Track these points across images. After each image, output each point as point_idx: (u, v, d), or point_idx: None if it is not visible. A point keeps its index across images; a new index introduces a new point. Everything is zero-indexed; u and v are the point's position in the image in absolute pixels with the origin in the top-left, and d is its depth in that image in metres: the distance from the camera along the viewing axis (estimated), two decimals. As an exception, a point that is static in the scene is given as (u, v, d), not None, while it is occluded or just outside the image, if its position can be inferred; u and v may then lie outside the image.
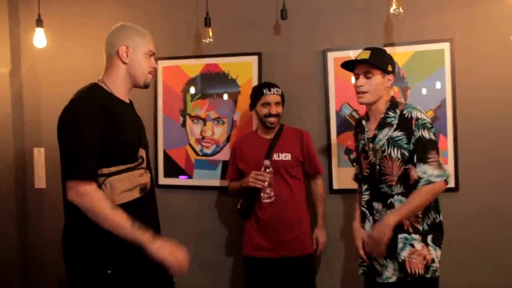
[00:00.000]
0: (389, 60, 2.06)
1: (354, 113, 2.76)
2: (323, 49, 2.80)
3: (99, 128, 1.62)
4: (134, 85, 1.84)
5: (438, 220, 2.00)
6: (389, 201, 2.00)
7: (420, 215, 1.95)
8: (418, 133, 1.92)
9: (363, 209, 2.12)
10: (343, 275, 2.80)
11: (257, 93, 2.59)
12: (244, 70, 2.92)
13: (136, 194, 1.70)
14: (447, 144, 2.63)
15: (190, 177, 3.01)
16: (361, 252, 2.13)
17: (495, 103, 2.59)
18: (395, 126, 1.98)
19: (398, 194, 1.99)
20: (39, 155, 3.29)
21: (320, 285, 2.64)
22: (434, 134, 1.95)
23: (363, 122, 2.15)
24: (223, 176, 2.94)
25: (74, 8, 3.21)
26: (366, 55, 2.02)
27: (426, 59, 2.66)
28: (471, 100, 2.61)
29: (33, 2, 3.05)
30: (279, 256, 2.48)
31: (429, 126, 1.94)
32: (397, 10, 2.30)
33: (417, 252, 1.91)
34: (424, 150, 1.91)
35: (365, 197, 2.12)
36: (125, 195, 1.66)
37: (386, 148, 1.98)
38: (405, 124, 1.95)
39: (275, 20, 2.87)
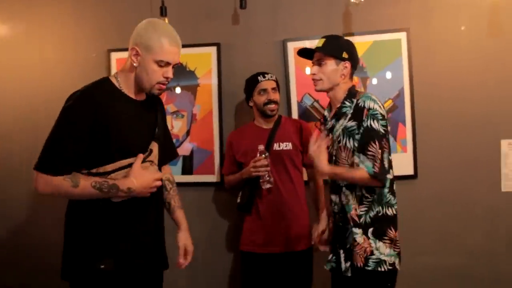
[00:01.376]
0: (345, 46, 2.02)
1: (315, 104, 2.75)
2: (283, 39, 2.77)
3: (83, 124, 1.58)
4: (141, 89, 1.73)
5: (381, 213, 1.91)
6: (342, 193, 1.97)
7: (363, 210, 1.90)
8: (366, 123, 1.86)
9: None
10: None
11: (251, 82, 2.51)
12: (203, 62, 2.83)
13: (121, 197, 1.65)
14: (406, 133, 2.69)
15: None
16: (314, 239, 2.26)
17: (451, 91, 2.67)
18: (349, 116, 1.93)
19: (344, 186, 1.95)
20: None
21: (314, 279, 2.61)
22: (384, 126, 1.88)
23: (325, 112, 2.13)
24: (184, 172, 2.85)
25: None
26: (321, 43, 2.01)
27: (384, 48, 2.69)
28: (428, 89, 2.68)
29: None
30: (279, 251, 2.40)
31: (380, 117, 1.87)
32: (358, -1, 2.30)
33: (359, 246, 1.88)
34: (366, 140, 1.86)
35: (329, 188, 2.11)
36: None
37: (341, 138, 1.94)
38: (358, 113, 1.90)
39: (234, 9, 2.80)
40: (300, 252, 2.43)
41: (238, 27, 2.82)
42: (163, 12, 2.66)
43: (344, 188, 1.95)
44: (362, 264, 1.87)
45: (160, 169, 1.82)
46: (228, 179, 2.61)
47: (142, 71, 1.67)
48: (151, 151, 1.73)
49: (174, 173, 2.83)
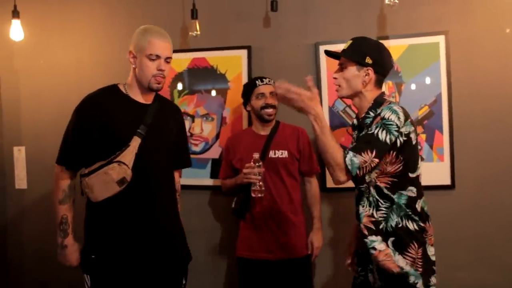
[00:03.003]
0: (370, 51, 1.83)
1: (347, 109, 2.67)
2: (315, 42, 2.70)
3: (85, 125, 1.85)
4: (144, 88, 1.91)
5: (401, 225, 1.76)
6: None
7: (382, 216, 1.76)
8: (372, 130, 1.71)
9: None
10: (337, 276, 2.72)
11: (249, 87, 2.50)
12: (233, 65, 2.81)
13: (116, 188, 1.83)
14: (443, 140, 2.57)
15: (178, 176, 2.90)
16: (347, 261, 2.06)
17: (492, 97, 2.53)
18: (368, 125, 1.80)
19: (363, 194, 1.83)
20: (19, 154, 3.15)
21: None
22: (391, 140, 1.69)
23: (354, 120, 2.01)
24: (212, 175, 2.84)
25: (52, 0, 3.06)
26: (347, 45, 1.88)
27: (421, 52, 2.58)
28: (467, 94, 2.55)
29: (7, -8, 2.89)
30: (274, 258, 2.39)
31: (393, 128, 1.69)
32: (392, 0, 2.20)
33: (382, 253, 1.74)
34: (364, 145, 1.69)
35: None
36: (102, 191, 1.84)
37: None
38: (372, 123, 1.76)
39: (265, 12, 2.76)
40: (296, 260, 2.39)
41: (269, 29, 2.78)
42: (194, 15, 2.66)
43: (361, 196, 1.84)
44: (398, 269, 1.72)
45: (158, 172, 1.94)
46: (224, 183, 2.59)
47: (139, 69, 1.87)
48: (124, 149, 1.84)
49: (202, 176, 2.86)
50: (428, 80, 2.58)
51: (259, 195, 2.29)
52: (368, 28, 2.63)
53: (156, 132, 1.92)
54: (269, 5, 2.63)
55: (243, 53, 2.79)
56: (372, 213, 1.80)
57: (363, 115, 1.86)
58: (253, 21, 2.79)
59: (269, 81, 2.47)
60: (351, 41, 1.89)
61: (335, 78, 1.90)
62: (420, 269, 1.76)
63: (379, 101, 1.84)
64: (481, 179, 2.54)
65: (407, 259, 1.74)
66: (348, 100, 2.57)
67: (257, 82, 2.47)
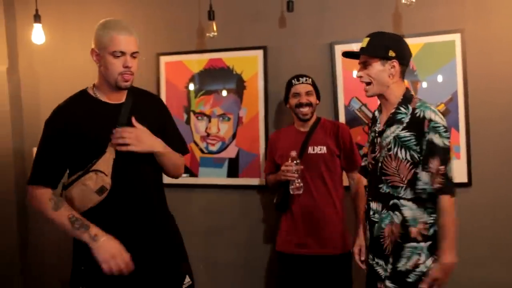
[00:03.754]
0: (391, 43, 1.85)
1: (363, 108, 2.69)
2: (330, 42, 2.73)
3: (56, 137, 1.71)
4: (112, 87, 1.76)
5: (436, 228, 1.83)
6: (391, 203, 1.84)
7: (430, 222, 1.80)
8: (428, 136, 1.75)
9: (367, 206, 1.97)
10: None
11: (287, 86, 2.52)
12: (249, 65, 2.84)
13: (96, 197, 1.71)
14: (459, 138, 2.57)
15: (195, 175, 2.94)
16: (356, 258, 2.10)
17: (509, 96, 2.52)
18: (404, 124, 1.81)
19: (406, 199, 1.81)
20: (39, 155, 3.20)
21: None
22: (448, 138, 1.76)
23: (376, 113, 2.02)
24: (229, 174, 2.88)
25: (71, 4, 3.13)
26: (365, 43, 1.87)
27: (436, 51, 2.59)
28: (483, 93, 2.55)
29: (29, -3, 2.96)
30: (313, 253, 2.39)
31: (442, 130, 1.75)
32: None
33: (420, 265, 1.79)
34: (427, 156, 1.75)
35: (368, 194, 2.00)
36: (83, 202, 1.72)
37: (392, 147, 1.82)
38: (416, 124, 1.78)
39: (281, 12, 2.79)
40: (335, 257, 2.38)
41: (285, 30, 2.81)
42: (210, 16, 2.70)
43: (403, 201, 1.82)
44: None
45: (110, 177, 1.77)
46: (269, 178, 2.62)
47: (104, 68, 1.72)
48: (100, 157, 1.72)
49: (219, 175, 2.89)
50: (444, 78, 2.59)
51: (297, 192, 2.31)
52: (383, 27, 2.59)
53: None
54: (284, 5, 2.66)
55: (259, 53, 2.82)
56: (426, 220, 1.82)
57: (392, 110, 1.87)
58: (269, 21, 2.82)
59: (305, 80, 2.47)
60: (368, 38, 1.89)
61: (360, 77, 1.89)
62: None
63: (408, 97, 1.87)
64: (498, 176, 2.54)
65: (435, 258, 1.80)
66: (364, 98, 2.63)
67: (293, 81, 2.48)
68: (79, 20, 3.12)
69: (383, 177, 1.87)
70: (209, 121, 2.92)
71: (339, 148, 2.45)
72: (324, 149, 2.42)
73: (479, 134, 2.55)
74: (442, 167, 1.74)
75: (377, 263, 1.90)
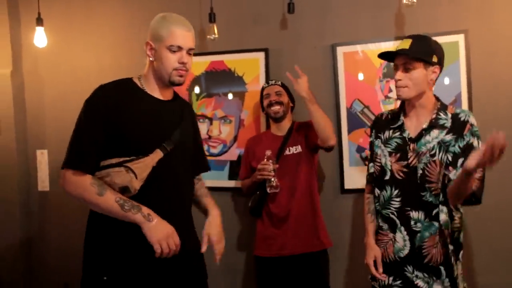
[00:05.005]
0: (435, 49, 1.81)
1: (365, 110, 2.66)
2: (332, 44, 2.70)
3: (97, 121, 1.58)
4: (164, 84, 1.70)
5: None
6: (434, 212, 1.78)
7: (456, 228, 1.79)
8: (469, 138, 1.75)
9: (393, 216, 1.86)
10: (353, 277, 2.70)
11: (260, 92, 2.62)
12: (251, 67, 2.83)
13: None
14: (463, 140, 2.53)
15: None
16: (373, 270, 1.91)
17: (513, 97, 2.48)
18: (448, 129, 1.78)
19: (446, 205, 1.78)
20: (42, 157, 3.23)
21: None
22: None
23: (401, 117, 1.90)
24: (230, 177, 2.86)
25: (75, 7, 3.15)
26: (407, 44, 1.79)
27: (440, 52, 2.55)
28: (487, 94, 2.51)
29: (33, 1, 2.97)
30: (289, 254, 2.40)
31: (479, 137, 1.77)
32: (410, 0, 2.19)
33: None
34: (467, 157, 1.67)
35: (395, 203, 1.86)
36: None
37: (437, 152, 1.77)
38: (459, 127, 1.77)
39: (282, 14, 2.78)
40: (313, 254, 2.40)
41: (286, 32, 2.80)
42: (211, 19, 2.69)
43: (441, 206, 1.79)
44: None
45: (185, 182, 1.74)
46: (244, 183, 2.63)
47: (158, 62, 1.65)
48: (135, 157, 1.60)
49: (221, 177, 2.87)
50: (447, 80, 2.55)
51: (274, 190, 2.34)
52: (385, 28, 2.62)
53: (180, 146, 1.70)
54: (286, 7, 2.64)
55: (261, 55, 2.81)
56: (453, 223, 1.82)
57: (434, 116, 1.83)
58: (270, 23, 2.81)
59: (275, 82, 2.56)
60: (410, 40, 1.82)
61: (399, 79, 1.82)
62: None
63: (442, 103, 1.86)
64: (504, 180, 2.49)
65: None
66: (367, 100, 2.61)
67: (264, 85, 2.59)
68: (83, 23, 3.14)
69: (426, 185, 1.80)
70: (211, 123, 2.91)
71: (308, 137, 2.46)
72: (299, 148, 2.46)
73: (483, 135, 2.48)
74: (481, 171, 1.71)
75: (416, 276, 1.82)
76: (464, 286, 1.81)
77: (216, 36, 2.68)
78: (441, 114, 1.82)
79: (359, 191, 2.57)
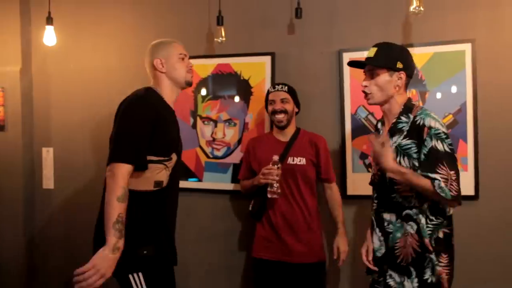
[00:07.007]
0: (399, 55, 1.88)
1: (370, 116, 2.66)
2: (338, 50, 2.71)
3: (149, 121, 1.82)
4: (180, 87, 2.06)
5: (436, 236, 1.83)
6: (404, 213, 1.84)
7: (429, 232, 1.80)
8: (430, 143, 1.74)
9: (372, 217, 1.99)
10: (355, 283, 2.70)
11: (266, 94, 2.58)
12: (257, 71, 2.84)
13: (149, 187, 1.84)
14: (467, 150, 2.52)
15: (200, 180, 2.94)
16: (364, 258, 2.03)
17: (520, 108, 2.47)
18: (405, 133, 1.83)
19: (416, 207, 1.82)
20: (47, 155, 3.25)
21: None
22: (450, 145, 1.76)
23: (379, 125, 2.04)
24: (234, 180, 2.87)
25: (85, 7, 3.18)
26: (372, 52, 1.89)
27: (446, 60, 2.55)
28: (493, 103, 2.50)
29: (44, 0, 3.01)
30: (289, 261, 2.40)
31: (443, 136, 1.75)
32: (417, 8, 2.18)
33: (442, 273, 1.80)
34: (434, 162, 1.72)
35: (374, 205, 1.99)
36: (138, 183, 1.82)
37: (395, 156, 1.82)
38: (416, 132, 1.79)
39: (289, 19, 2.79)
40: (310, 265, 2.39)
41: (293, 36, 2.81)
42: (219, 22, 2.71)
43: (415, 209, 1.82)
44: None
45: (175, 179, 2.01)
46: (243, 184, 2.63)
47: (172, 70, 2.02)
48: (171, 158, 1.93)
49: (224, 180, 2.88)
50: (453, 89, 2.55)
51: (275, 196, 2.32)
52: (392, 36, 2.61)
53: (180, 151, 2.10)
54: (293, 12, 2.65)
55: (267, 59, 2.82)
56: (432, 229, 1.82)
57: (394, 120, 1.88)
58: (277, 28, 2.82)
59: (281, 87, 2.50)
60: (375, 48, 1.91)
61: (365, 86, 1.91)
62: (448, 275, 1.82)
63: (409, 106, 1.88)
64: (507, 190, 2.48)
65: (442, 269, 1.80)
66: (371, 107, 2.61)
67: (269, 89, 2.55)
68: (92, 23, 3.17)
69: (394, 186, 1.86)
70: (215, 126, 2.92)
71: (317, 160, 2.47)
72: (303, 161, 2.44)
73: (488, 146, 2.50)
74: (452, 172, 1.72)
75: (390, 275, 1.88)
76: None
77: (224, 39, 2.70)
78: (403, 117, 1.86)
79: (362, 198, 2.58)
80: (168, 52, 2.03)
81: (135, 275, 1.77)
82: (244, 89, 2.87)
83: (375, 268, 1.97)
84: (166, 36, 3.02)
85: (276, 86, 2.52)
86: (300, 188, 2.43)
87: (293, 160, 2.45)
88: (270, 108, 2.50)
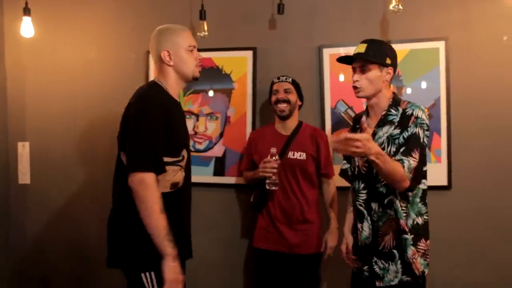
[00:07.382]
0: (388, 52, 1.99)
1: (349, 111, 2.75)
2: (319, 45, 2.78)
3: (162, 124, 1.74)
4: (186, 81, 1.95)
5: (415, 222, 1.93)
6: (386, 201, 1.94)
7: (404, 217, 1.91)
8: (413, 130, 1.86)
9: (361, 208, 2.03)
10: (339, 272, 2.78)
11: (270, 86, 2.62)
12: (239, 65, 2.88)
13: (165, 189, 1.77)
14: (441, 142, 2.65)
15: (181, 173, 2.95)
16: (344, 255, 2.15)
17: (489, 102, 2.61)
18: (396, 124, 1.93)
19: (391, 193, 1.92)
20: (23, 149, 3.18)
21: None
22: (427, 137, 1.90)
23: (363, 117, 2.10)
24: (215, 173, 2.90)
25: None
26: (363, 48, 1.97)
27: (421, 57, 2.67)
28: (465, 99, 2.63)
29: (18, -10, 2.94)
30: (287, 252, 2.46)
31: (425, 127, 1.89)
32: (396, 6, 2.29)
33: (413, 252, 1.89)
34: (412, 146, 1.84)
35: (363, 195, 2.04)
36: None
37: (385, 146, 1.91)
38: (405, 121, 1.90)
39: (271, 15, 2.84)
40: (307, 256, 2.46)
41: (275, 32, 2.86)
42: (202, 16, 2.72)
43: (392, 196, 1.92)
44: (419, 272, 1.89)
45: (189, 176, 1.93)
46: (246, 175, 2.68)
47: (180, 64, 1.89)
48: (183, 157, 1.85)
49: (206, 174, 2.90)
50: (427, 84, 2.66)
51: (273, 187, 2.37)
52: (371, 33, 2.70)
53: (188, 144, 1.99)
54: (275, 7, 2.70)
55: (249, 54, 2.86)
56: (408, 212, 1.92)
57: (383, 112, 1.98)
58: (259, 23, 2.86)
59: (285, 79, 2.55)
60: (365, 44, 1.98)
61: (356, 80, 1.98)
62: (428, 260, 1.93)
63: (397, 100, 1.99)
64: (477, 180, 2.62)
65: (420, 252, 1.90)
66: (350, 101, 2.69)
67: (274, 80, 2.59)
68: (69, 15, 3.11)
69: (379, 177, 1.93)
70: (197, 119, 2.94)
71: (318, 155, 2.52)
72: (303, 156, 2.49)
73: (460, 139, 2.64)
74: (418, 159, 1.85)
75: (375, 262, 1.96)
76: (424, 270, 1.92)
77: (206, 33, 2.72)
78: (392, 110, 1.96)
79: (343, 189, 2.65)
80: (177, 43, 1.87)
81: (147, 274, 1.74)
82: (226, 83, 2.90)
83: (355, 264, 2.09)
84: (147, 29, 2.98)
85: (281, 77, 2.56)
86: (299, 182, 2.48)
87: (293, 155, 2.49)
88: (273, 98, 2.54)
